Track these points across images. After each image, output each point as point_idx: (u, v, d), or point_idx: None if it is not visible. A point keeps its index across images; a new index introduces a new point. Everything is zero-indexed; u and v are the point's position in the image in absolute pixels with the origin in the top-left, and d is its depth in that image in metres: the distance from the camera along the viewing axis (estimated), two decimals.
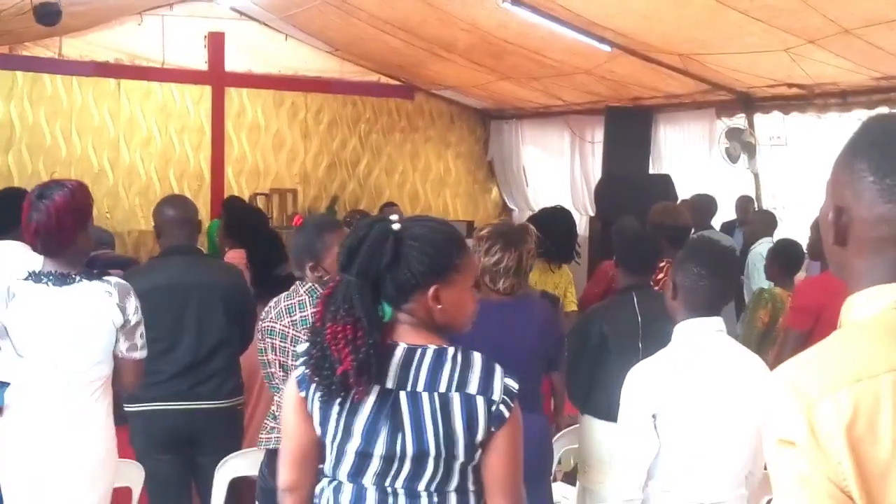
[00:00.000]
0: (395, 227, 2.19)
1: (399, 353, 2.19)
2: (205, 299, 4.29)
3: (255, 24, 12.27)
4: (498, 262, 3.72)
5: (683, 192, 10.43)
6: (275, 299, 3.78)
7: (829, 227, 1.52)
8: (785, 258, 5.59)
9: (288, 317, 3.65)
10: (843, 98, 8.78)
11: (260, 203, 12.77)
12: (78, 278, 3.37)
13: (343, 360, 2.08)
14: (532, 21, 8.81)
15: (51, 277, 3.36)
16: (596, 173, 12.09)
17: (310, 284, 3.70)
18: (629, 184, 10.70)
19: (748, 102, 9.83)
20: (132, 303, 3.43)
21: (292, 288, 3.77)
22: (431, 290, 2.20)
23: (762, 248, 7.11)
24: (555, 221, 6.13)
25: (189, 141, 12.51)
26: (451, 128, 14.36)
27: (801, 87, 8.87)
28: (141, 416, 4.23)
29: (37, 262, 3.65)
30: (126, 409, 4.20)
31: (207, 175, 12.30)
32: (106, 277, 3.45)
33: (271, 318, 3.72)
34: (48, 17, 7.49)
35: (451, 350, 2.22)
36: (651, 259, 4.42)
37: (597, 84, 10.71)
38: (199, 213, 4.58)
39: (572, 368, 4.41)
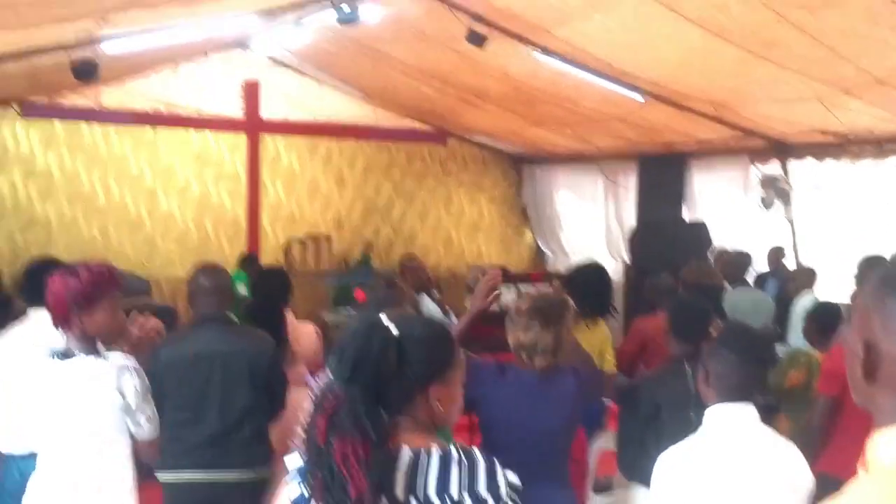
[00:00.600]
0: (395, 332, 2.14)
1: (405, 458, 2.10)
2: (230, 368, 4.27)
3: (290, 71, 12.41)
4: (535, 341, 3.65)
5: (719, 239, 10.38)
6: None
7: (856, 362, 1.47)
8: (822, 321, 5.51)
9: None
10: (878, 146, 8.71)
11: (294, 249, 12.90)
12: (79, 354, 3.44)
13: (357, 482, 2.00)
14: (564, 70, 8.84)
15: (58, 353, 3.47)
16: (630, 219, 12.06)
17: None
18: (664, 231, 10.67)
19: (782, 149, 9.77)
20: (130, 383, 3.45)
21: None
22: (432, 390, 2.16)
23: (805, 301, 7.02)
24: (587, 278, 6.10)
25: (225, 188, 12.63)
26: (485, 172, 14.40)
27: (836, 134, 8.81)
28: (168, 486, 4.23)
29: None
30: (156, 474, 4.21)
31: (243, 222, 12.44)
32: (110, 354, 3.50)
33: None
34: (86, 74, 7.61)
35: (453, 450, 2.16)
36: (703, 328, 4.38)
37: (629, 130, 10.70)
38: (231, 281, 4.59)
39: (622, 436, 4.37)
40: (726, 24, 6.85)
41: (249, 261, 10.62)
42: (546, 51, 8.55)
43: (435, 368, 2.17)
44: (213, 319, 4.32)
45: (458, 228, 14.29)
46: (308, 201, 13.20)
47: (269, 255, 12.65)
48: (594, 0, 7.11)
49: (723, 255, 7.88)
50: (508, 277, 13.14)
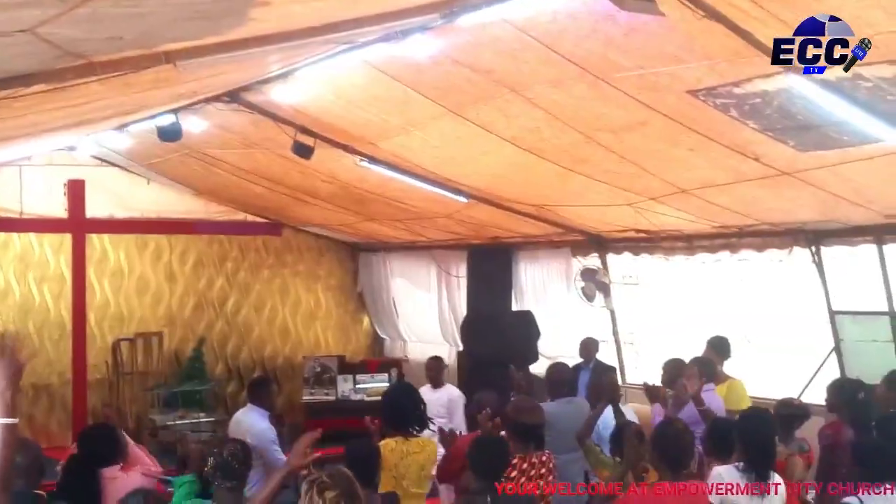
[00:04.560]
0: None
1: None
2: None
3: (116, 169, 12.19)
4: None
5: (545, 328, 10.73)
6: None
7: None
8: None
9: None
10: (688, 242, 9.24)
11: (124, 349, 12.60)
12: None
13: None
14: (390, 175, 9.05)
15: None
16: (462, 306, 12.31)
17: None
18: (493, 320, 10.93)
19: (601, 243, 10.24)
20: None
21: None
22: None
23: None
24: (386, 396, 6.52)
25: (49, 290, 12.25)
26: (321, 261, 14.41)
27: (648, 232, 9.31)
28: None
29: None
30: None
31: (69, 324, 12.00)
32: None
33: None
34: None
35: None
36: (502, 465, 4.60)
37: (457, 226, 11.00)
38: (42, 455, 4.48)
39: None
40: (539, 143, 7.21)
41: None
42: (372, 159, 8.75)
43: None
44: (25, 500, 4.21)
45: (295, 318, 14.21)
46: (137, 299, 12.92)
47: (98, 357, 12.30)
48: (412, 120, 7.37)
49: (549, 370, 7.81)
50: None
